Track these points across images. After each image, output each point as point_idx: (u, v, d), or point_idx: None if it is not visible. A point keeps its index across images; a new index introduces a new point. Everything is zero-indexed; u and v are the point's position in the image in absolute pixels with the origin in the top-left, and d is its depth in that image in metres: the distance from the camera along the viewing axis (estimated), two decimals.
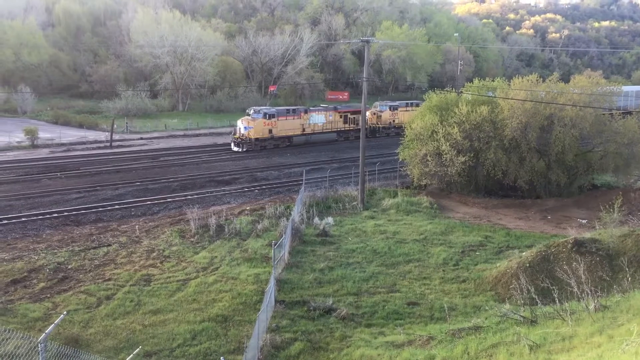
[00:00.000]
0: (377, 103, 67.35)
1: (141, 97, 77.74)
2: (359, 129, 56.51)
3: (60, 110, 73.31)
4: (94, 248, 24.62)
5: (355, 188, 33.51)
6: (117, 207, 31.58)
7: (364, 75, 30.62)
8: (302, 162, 45.72)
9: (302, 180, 34.84)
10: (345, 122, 59.18)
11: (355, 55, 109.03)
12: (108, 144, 53.96)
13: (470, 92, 39.16)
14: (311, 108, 58.90)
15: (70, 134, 59.06)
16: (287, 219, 27.01)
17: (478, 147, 35.43)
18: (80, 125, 66.23)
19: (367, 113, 58.79)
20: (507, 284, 20.27)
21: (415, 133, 37.07)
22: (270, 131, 52.32)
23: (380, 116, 63.54)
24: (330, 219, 28.35)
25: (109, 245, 25.06)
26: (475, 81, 41.71)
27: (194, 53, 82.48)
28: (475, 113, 35.38)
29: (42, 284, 20.76)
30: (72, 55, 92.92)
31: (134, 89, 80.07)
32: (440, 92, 40.25)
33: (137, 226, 27.96)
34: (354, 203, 32.02)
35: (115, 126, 58.64)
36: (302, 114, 55.36)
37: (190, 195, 34.45)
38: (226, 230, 26.95)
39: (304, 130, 55.39)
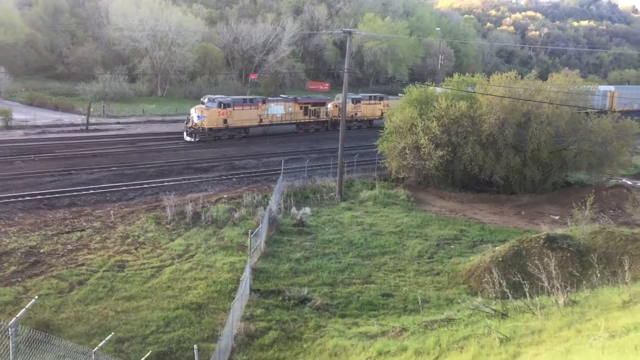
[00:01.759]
0: (339, 95, 65.47)
1: (119, 81, 76.50)
2: (320, 121, 58.40)
3: (36, 92, 72.02)
4: (67, 232, 24.39)
5: (334, 179, 33.56)
6: (92, 191, 31.19)
7: (345, 67, 30.59)
8: (281, 152, 45.57)
9: (280, 169, 34.76)
10: (305, 114, 57.76)
11: (337, 46, 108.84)
12: (84, 128, 53.16)
13: (450, 87, 39.37)
14: (269, 98, 57.06)
15: (46, 116, 58.07)
16: (265, 208, 27.02)
17: (456, 142, 35.71)
18: (56, 108, 65.10)
19: (329, 105, 59.87)
20: (479, 278, 20.52)
21: (394, 126, 37.21)
22: (225, 121, 50.31)
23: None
24: (307, 209, 28.38)
25: (83, 230, 24.80)
26: (455, 76, 41.98)
27: (174, 38, 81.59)
28: (454, 108, 35.62)
29: (13, 268, 20.49)
30: (49, 35, 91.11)
31: (111, 72, 78.84)
32: (421, 86, 40.40)
33: (112, 211, 27.69)
34: (332, 194, 32.06)
35: (92, 109, 57.68)
36: (260, 104, 53.57)
37: (167, 182, 34.18)
38: (203, 217, 26.85)
39: (261, 121, 53.48)
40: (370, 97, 65.81)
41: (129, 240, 23.97)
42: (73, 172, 35.40)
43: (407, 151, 35.59)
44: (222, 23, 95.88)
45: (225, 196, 31.15)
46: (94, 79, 74.74)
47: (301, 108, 57.36)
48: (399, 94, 70.25)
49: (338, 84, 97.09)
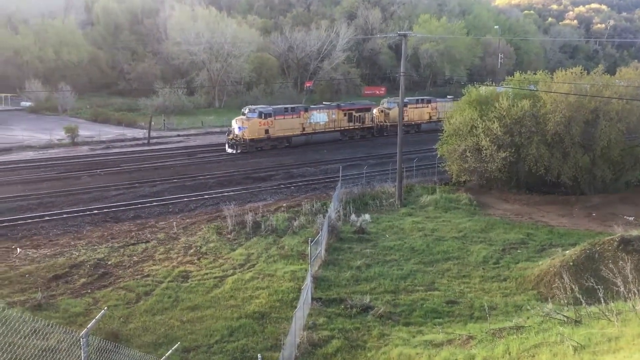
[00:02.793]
0: (384, 100, 64.40)
1: (178, 94, 77.90)
2: (365, 127, 57.31)
3: (100, 108, 74.54)
4: (133, 244, 24.77)
5: (393, 185, 33.09)
6: (155, 204, 31.77)
7: (401, 70, 30.14)
8: (339, 159, 45.27)
9: (338, 176, 34.58)
10: (349, 121, 55.97)
11: (393, 50, 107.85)
12: (146, 141, 54.54)
13: (511, 87, 38.27)
14: (312, 106, 55.66)
15: (109, 132, 60.07)
16: (324, 216, 26.65)
17: (519, 142, 34.63)
18: (119, 123, 67.18)
19: (374, 111, 59.12)
20: (549, 283, 19.72)
21: (454, 128, 36.45)
22: (266, 131, 49.42)
23: (388, 114, 59.52)
24: (367, 216, 28.02)
25: (148, 241, 25.12)
26: (517, 75, 40.76)
27: (229, 49, 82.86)
28: (517, 107, 34.56)
29: (82, 280, 21.05)
30: (111, 53, 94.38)
31: (170, 86, 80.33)
32: (480, 86, 39.42)
33: (174, 223, 28.12)
34: (392, 200, 31.62)
35: (153, 123, 58.80)
36: (302, 112, 52.30)
37: (227, 192, 34.51)
38: (262, 227, 26.77)
39: (303, 129, 52.08)
40: (417, 100, 64.03)
41: (192, 250, 24.27)
42: (137, 185, 36.20)
43: (468, 153, 34.75)
44: (277, 32, 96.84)
45: (284, 205, 31.17)
46: (154, 94, 76.63)
47: (345, 115, 55.80)
48: (447, 96, 68.73)
49: (394, 88, 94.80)
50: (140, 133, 58.80)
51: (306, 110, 53.25)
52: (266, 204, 31.68)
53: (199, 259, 23.29)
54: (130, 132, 60.46)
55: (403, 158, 32.91)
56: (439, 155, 37.74)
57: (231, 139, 48.77)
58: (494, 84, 53.57)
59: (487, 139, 34.06)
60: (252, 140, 48.48)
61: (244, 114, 49.88)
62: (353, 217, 28.06)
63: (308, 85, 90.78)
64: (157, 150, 50.66)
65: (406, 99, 60.41)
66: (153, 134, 57.02)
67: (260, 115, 49.10)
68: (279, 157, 46.78)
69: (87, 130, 58.87)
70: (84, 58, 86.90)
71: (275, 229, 26.71)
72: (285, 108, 52.06)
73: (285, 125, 50.69)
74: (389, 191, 32.92)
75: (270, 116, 49.64)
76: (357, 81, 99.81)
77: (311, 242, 20.56)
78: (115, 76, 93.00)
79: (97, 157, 46.45)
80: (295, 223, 27.29)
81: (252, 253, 24.01)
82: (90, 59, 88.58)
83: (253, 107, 51.28)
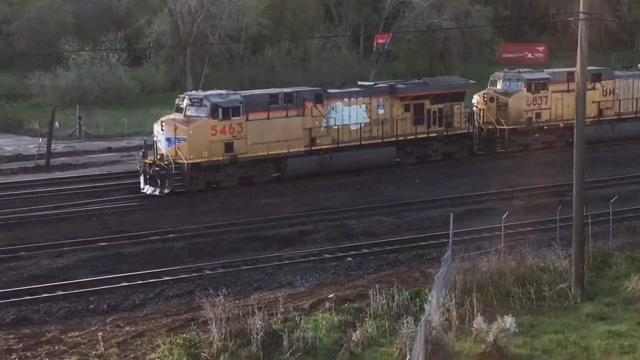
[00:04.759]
0: (498, 74, 37.53)
1: (109, 64, 49.49)
2: (454, 134, 34.31)
3: None
4: None
5: (564, 253, 19.95)
6: (59, 293, 19.78)
7: (580, 9, 16.27)
8: (446, 197, 28.95)
9: (446, 235, 20.31)
10: (418, 121, 33.22)
11: None
12: (42, 163, 35.75)
13: None
14: (330, 91, 32.48)
15: None
16: (416, 320, 16.27)
17: None
18: None
19: (475, 98, 36.39)
20: None
21: None
22: (229, 146, 29.00)
23: (507, 104, 35.33)
24: (509, 321, 16.10)
25: None
26: None
27: None
28: None
29: None
30: None
31: (94, 48, 49.31)
32: None
33: (100, 333, 16.96)
34: (562, 285, 18.75)
35: (57, 125, 38.73)
36: (310, 104, 30.84)
37: (209, 269, 21.61)
38: (285, 343, 16.17)
39: (313, 142, 31.07)
40: (567, 75, 36.07)
41: None
42: (23, 253, 23.19)
43: None
44: None
45: (331, 296, 19.35)
46: (59, 63, 48.90)
47: (406, 108, 33.03)
48: (638, 65, 41.82)
49: (565, 47, 53.64)
50: (31, 145, 39.36)
51: (319, 99, 31.30)
52: (293, 292, 19.90)
53: None
54: (10, 144, 40.96)
55: (586, 194, 19.06)
56: None
57: (150, 165, 28.94)
58: None
59: None
60: (194, 166, 28.59)
61: (179, 110, 30.00)
62: (479, 321, 16.60)
63: (381, 41, 55.93)
64: (61, 180, 33.56)
65: (545, 72, 37.30)
66: (58, 146, 37.90)
67: (214, 112, 28.59)
68: (318, 194, 29.99)
69: None
70: None
71: (312, 346, 16.42)
72: (271, 95, 30.94)
73: (273, 132, 30.19)
74: (555, 266, 20.06)
75: (238, 113, 29.18)
76: (487, 34, 61.28)
77: None
78: None
79: None
80: (355, 335, 16.64)
81: None
82: None
83: (200, 94, 30.71)
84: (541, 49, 65.43)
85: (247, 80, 50.90)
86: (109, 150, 39.72)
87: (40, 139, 37.81)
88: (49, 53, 49.06)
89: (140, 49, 52.71)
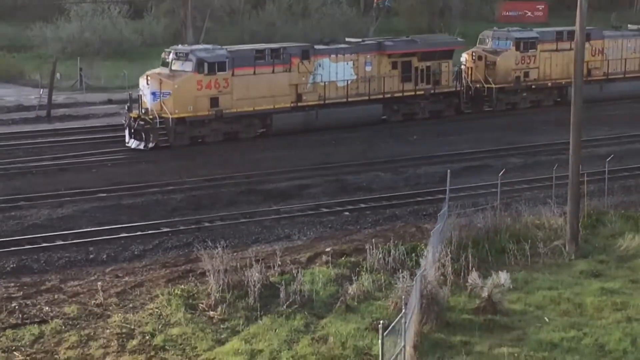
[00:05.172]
0: (487, 32, 37.24)
1: (110, 17, 50.63)
2: (441, 92, 33.79)
3: None
4: (13, 328, 15.05)
5: (559, 210, 20.10)
6: (59, 242, 19.74)
7: None
8: (444, 154, 28.83)
9: (442, 191, 20.95)
10: (405, 79, 32.75)
11: None
12: (43, 114, 35.96)
13: None
14: (317, 47, 31.93)
15: None
16: (412, 276, 16.22)
17: None
18: None
19: (464, 56, 35.91)
20: None
21: None
22: (214, 101, 28.67)
23: (495, 63, 35.03)
24: (503, 276, 16.18)
25: (44, 321, 15.29)
26: None
27: None
28: None
29: None
30: None
31: (95, 0, 51.81)
32: None
33: (99, 284, 17.14)
34: (556, 242, 18.90)
35: (58, 76, 39.47)
36: (296, 60, 30.39)
37: (208, 221, 21.58)
38: (283, 294, 16.27)
39: (299, 98, 30.65)
40: (560, 33, 36.66)
41: (134, 342, 14.47)
42: (22, 203, 23.09)
43: None
44: None
45: (328, 249, 19.35)
46: (61, 14, 49.95)
47: (394, 65, 32.46)
48: (629, 26, 41.73)
49: (566, 6, 56.37)
50: (32, 95, 39.13)
51: (305, 55, 30.80)
52: (291, 246, 20.05)
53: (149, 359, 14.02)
54: (12, 94, 41.46)
55: (582, 152, 19.12)
56: None
57: (135, 119, 28.72)
58: None
59: None
60: (179, 120, 28.31)
61: (165, 64, 29.59)
62: (473, 277, 16.68)
63: None
64: (64, 131, 33.53)
65: (533, 32, 36.97)
66: (59, 98, 38.32)
67: (200, 66, 28.21)
68: (320, 148, 29.79)
69: None
70: None
71: (308, 299, 16.50)
72: (257, 50, 30.63)
73: (259, 88, 29.77)
74: (549, 222, 20.13)
75: (224, 68, 28.79)
76: None
77: (386, 330, 11.93)
78: None
79: None
80: (352, 289, 16.72)
81: (261, 350, 14.45)
82: None
83: (186, 48, 30.37)
84: (541, 7, 64.97)
85: (247, 35, 50.42)
86: (110, 102, 39.78)
87: (42, 89, 38.06)
88: (51, 4, 49.03)
89: (142, 2, 52.70)
